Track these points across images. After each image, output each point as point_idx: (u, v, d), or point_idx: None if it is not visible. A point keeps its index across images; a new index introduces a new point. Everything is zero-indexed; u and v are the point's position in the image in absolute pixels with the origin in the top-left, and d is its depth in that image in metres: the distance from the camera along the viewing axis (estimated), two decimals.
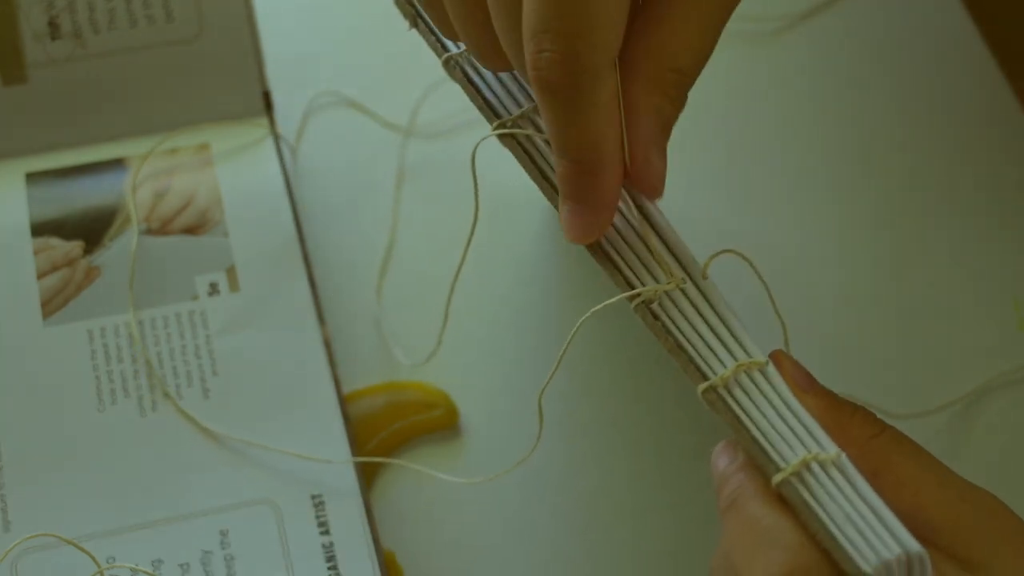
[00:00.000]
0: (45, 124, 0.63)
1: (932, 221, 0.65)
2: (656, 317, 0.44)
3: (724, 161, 0.67)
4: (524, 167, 0.48)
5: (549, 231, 0.63)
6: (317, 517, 0.55)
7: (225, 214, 0.61)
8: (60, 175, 0.62)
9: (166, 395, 0.57)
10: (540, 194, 0.66)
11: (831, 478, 0.41)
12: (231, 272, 0.60)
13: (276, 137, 0.64)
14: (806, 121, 0.68)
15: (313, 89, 0.67)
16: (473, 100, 0.48)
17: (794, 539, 0.40)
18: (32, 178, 0.62)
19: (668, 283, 0.45)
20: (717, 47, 0.46)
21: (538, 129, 0.48)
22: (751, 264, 0.47)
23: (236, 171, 0.63)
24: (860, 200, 0.66)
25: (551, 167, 0.47)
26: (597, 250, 0.46)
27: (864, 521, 0.40)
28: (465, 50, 0.49)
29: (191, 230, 0.61)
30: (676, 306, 0.45)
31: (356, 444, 0.57)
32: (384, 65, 0.68)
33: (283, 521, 0.54)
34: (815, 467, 0.41)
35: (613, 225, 0.46)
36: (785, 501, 0.41)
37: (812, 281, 0.64)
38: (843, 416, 0.44)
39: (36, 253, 0.60)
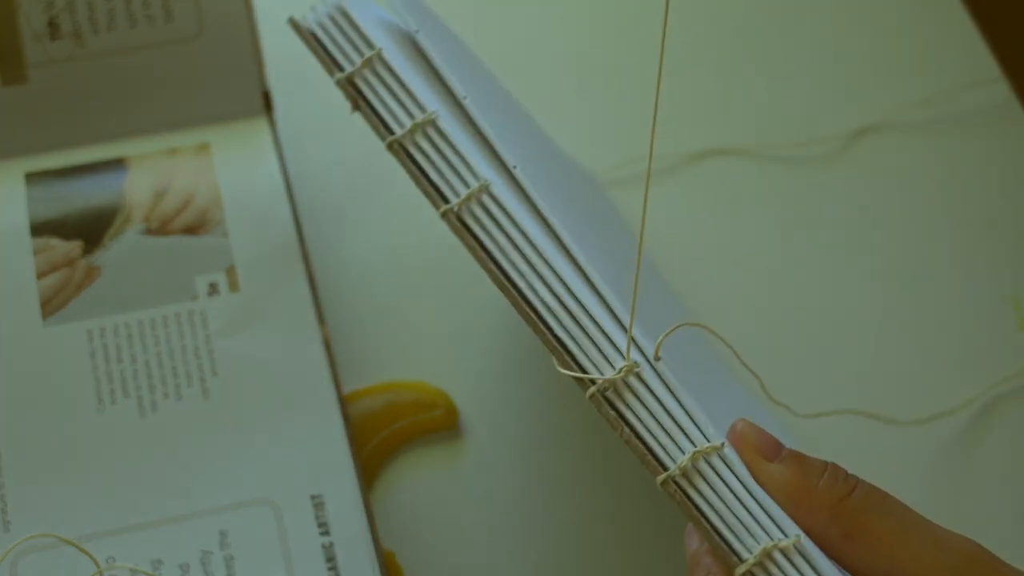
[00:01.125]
0: (45, 124, 0.63)
1: (932, 221, 0.65)
2: (612, 406, 0.43)
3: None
4: (474, 255, 0.45)
5: None
6: (317, 517, 0.55)
7: (225, 214, 0.61)
8: (60, 175, 0.62)
9: (165, 395, 0.57)
10: None
11: (793, 564, 0.40)
12: (231, 272, 0.60)
13: (276, 137, 0.64)
14: (806, 120, 0.68)
15: (313, 89, 0.67)
16: (417, 183, 0.46)
17: None
18: (32, 178, 0.62)
19: (623, 370, 0.43)
20: None
21: (486, 211, 0.45)
22: (715, 333, 0.46)
23: (236, 171, 0.63)
24: (860, 199, 0.66)
25: (503, 255, 0.45)
26: (545, 333, 0.44)
27: None
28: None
29: (191, 230, 0.61)
30: (631, 390, 0.43)
31: (356, 444, 0.57)
32: None
33: (283, 521, 0.54)
34: (777, 556, 0.41)
35: (555, 304, 0.44)
36: None
37: (811, 283, 0.64)
38: (811, 480, 0.43)
39: (36, 253, 0.60)
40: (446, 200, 0.45)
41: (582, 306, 0.44)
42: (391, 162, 0.66)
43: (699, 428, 0.42)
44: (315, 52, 0.48)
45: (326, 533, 0.54)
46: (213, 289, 0.60)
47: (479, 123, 0.47)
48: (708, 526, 0.41)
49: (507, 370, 0.61)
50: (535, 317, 0.44)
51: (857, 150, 0.67)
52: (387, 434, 0.58)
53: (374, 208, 0.65)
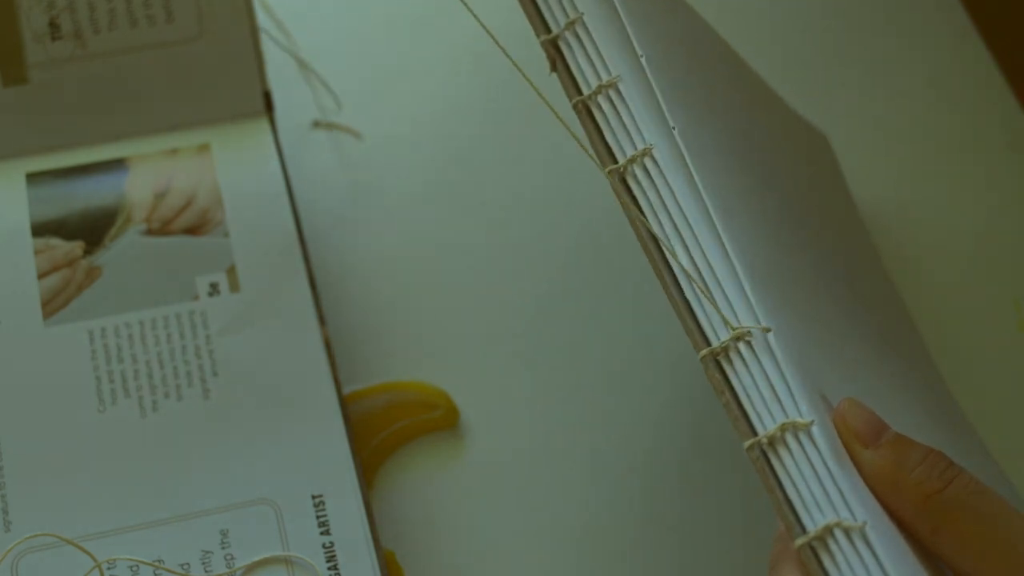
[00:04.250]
0: (46, 124, 0.63)
1: (931, 221, 0.65)
2: (721, 371, 0.44)
3: None
4: (627, 214, 0.47)
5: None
6: (317, 517, 0.55)
7: (225, 214, 0.61)
8: (61, 175, 0.62)
9: (166, 395, 0.57)
10: (544, 197, 0.67)
11: (854, 546, 0.40)
12: (231, 272, 0.60)
13: (276, 137, 0.64)
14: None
15: (313, 89, 0.67)
16: (592, 142, 0.48)
17: None
18: (33, 178, 0.62)
19: (735, 334, 0.44)
20: None
21: (646, 173, 0.47)
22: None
23: (236, 171, 0.63)
24: (859, 200, 0.66)
25: (653, 215, 0.46)
26: (675, 295, 0.45)
27: None
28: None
29: (192, 230, 0.61)
30: (741, 356, 0.44)
31: (356, 444, 0.57)
32: (386, 65, 0.68)
33: (283, 521, 0.55)
34: (838, 534, 0.40)
35: (691, 268, 0.45)
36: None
37: None
38: (903, 471, 0.42)
39: (37, 253, 0.60)
40: (615, 161, 0.47)
41: (713, 273, 0.45)
42: (391, 162, 0.66)
43: (795, 403, 0.42)
44: (528, 13, 0.50)
45: (326, 533, 0.54)
46: (214, 289, 0.60)
47: (652, 83, 0.48)
48: (781, 496, 0.41)
49: (507, 370, 0.61)
50: (669, 276, 0.45)
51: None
52: (387, 434, 0.58)
53: (375, 208, 0.65)
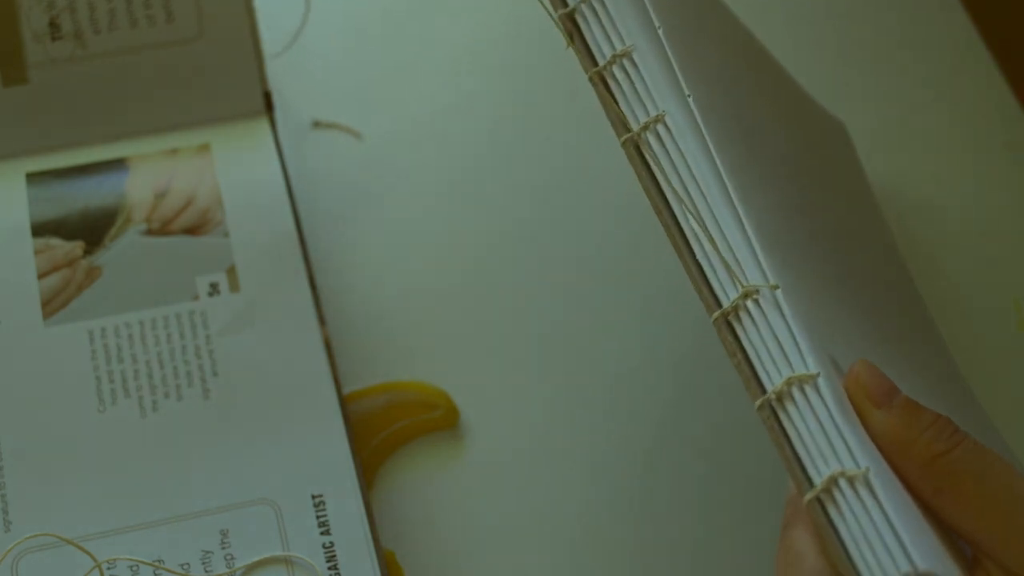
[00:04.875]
0: (45, 124, 0.63)
1: (931, 221, 0.65)
2: (733, 332, 0.44)
3: None
4: (640, 180, 0.47)
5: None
6: (317, 517, 0.55)
7: (225, 214, 0.61)
8: (60, 175, 0.62)
9: (166, 395, 0.57)
10: (545, 197, 0.67)
11: (857, 494, 0.41)
12: (231, 272, 0.60)
13: (276, 137, 0.64)
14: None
15: (313, 89, 0.67)
16: (608, 111, 0.48)
17: (815, 565, 0.41)
18: (33, 178, 0.62)
19: (746, 294, 0.44)
20: None
21: (659, 140, 0.47)
22: None
23: (236, 171, 0.63)
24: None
25: (666, 181, 0.47)
26: (688, 259, 0.46)
27: (880, 538, 0.40)
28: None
29: (192, 230, 0.61)
30: (749, 315, 0.44)
31: (356, 444, 0.57)
32: (386, 66, 0.68)
33: (283, 521, 0.55)
34: (843, 483, 0.41)
35: (701, 233, 0.46)
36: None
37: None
38: (912, 432, 0.43)
39: (37, 253, 0.60)
40: (628, 129, 0.47)
41: (724, 236, 0.45)
42: (391, 162, 0.66)
43: (801, 356, 0.43)
44: None
45: (326, 533, 0.54)
46: (214, 289, 0.60)
47: (668, 52, 0.48)
48: (790, 452, 0.42)
49: (507, 370, 0.61)
50: (682, 240, 0.46)
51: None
52: (387, 434, 0.58)
53: (375, 208, 0.65)
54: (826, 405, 0.42)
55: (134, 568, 0.53)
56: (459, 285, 0.63)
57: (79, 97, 0.63)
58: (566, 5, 0.50)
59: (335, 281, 0.62)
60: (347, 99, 0.67)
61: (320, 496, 0.55)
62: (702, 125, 0.47)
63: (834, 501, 0.41)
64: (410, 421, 0.59)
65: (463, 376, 0.60)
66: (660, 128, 0.47)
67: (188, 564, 0.53)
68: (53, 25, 0.62)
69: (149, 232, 0.61)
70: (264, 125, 0.64)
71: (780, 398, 0.43)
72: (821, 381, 0.43)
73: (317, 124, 0.66)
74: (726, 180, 0.46)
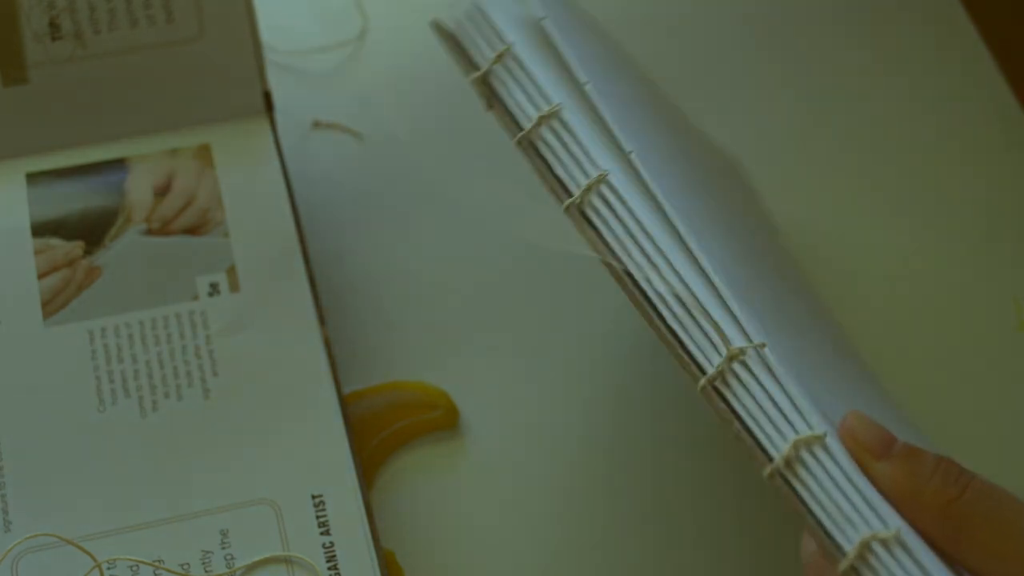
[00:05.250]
0: (45, 124, 0.63)
1: (931, 221, 0.65)
2: (724, 399, 0.42)
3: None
4: (592, 247, 0.45)
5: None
6: (317, 517, 0.55)
7: (225, 214, 0.61)
8: (60, 175, 0.62)
9: (166, 395, 0.57)
10: (544, 196, 0.66)
11: (894, 557, 0.40)
12: (231, 272, 0.60)
13: (276, 137, 0.64)
14: (806, 120, 0.68)
15: (313, 89, 0.67)
16: (543, 179, 0.46)
17: None
18: (32, 178, 0.62)
19: (731, 357, 0.42)
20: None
21: (604, 202, 0.45)
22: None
23: (236, 171, 0.63)
24: (860, 200, 0.66)
25: (619, 245, 0.45)
26: (658, 324, 0.44)
27: None
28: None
29: (192, 230, 0.61)
30: (738, 378, 0.42)
31: (356, 444, 0.57)
32: (387, 66, 0.68)
33: (283, 521, 0.55)
34: (877, 547, 0.40)
35: (668, 295, 0.44)
36: None
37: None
38: (919, 480, 0.42)
39: (37, 253, 0.60)
40: (569, 194, 0.45)
41: (693, 296, 0.43)
42: (391, 162, 0.66)
43: (803, 416, 0.41)
44: (453, 54, 0.48)
45: (326, 533, 0.54)
46: (214, 289, 0.60)
47: (599, 109, 0.46)
48: (813, 520, 0.40)
49: (508, 370, 0.61)
50: (649, 307, 0.44)
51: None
52: (387, 434, 0.58)
53: (375, 208, 0.65)
54: (839, 466, 0.41)
55: (134, 568, 0.53)
56: (459, 285, 0.63)
57: (79, 97, 0.63)
58: (478, 68, 0.48)
59: (335, 281, 0.62)
60: (347, 99, 0.67)
61: (320, 496, 0.55)
62: (648, 180, 0.45)
63: (871, 568, 0.40)
64: (410, 421, 0.59)
65: (463, 376, 0.60)
66: (604, 189, 0.44)
67: (188, 564, 0.53)
68: (53, 25, 0.62)
69: (149, 232, 0.61)
70: (264, 125, 0.64)
71: (789, 464, 0.41)
72: (829, 440, 0.41)
73: (317, 124, 0.66)
74: (685, 236, 0.44)
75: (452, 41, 0.49)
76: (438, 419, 0.59)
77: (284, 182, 0.62)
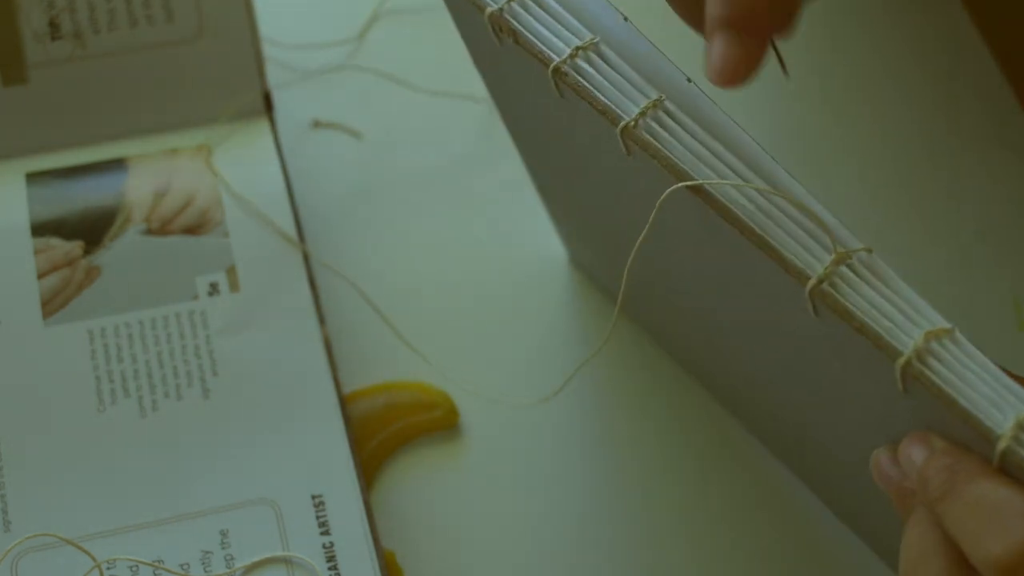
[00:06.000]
0: (45, 124, 0.63)
1: (932, 221, 0.65)
2: (836, 300, 0.41)
3: None
4: (671, 172, 0.43)
5: (563, 231, 0.63)
6: (317, 517, 0.55)
7: (225, 214, 0.61)
8: (60, 175, 0.62)
9: (166, 395, 0.57)
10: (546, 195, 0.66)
11: None
12: (231, 272, 0.60)
13: (276, 137, 0.64)
14: (806, 121, 0.68)
15: (314, 90, 0.67)
16: (594, 101, 0.44)
17: (943, 566, 0.38)
18: (32, 178, 0.62)
19: (839, 258, 0.42)
20: None
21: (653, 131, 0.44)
22: None
23: (236, 171, 0.63)
24: (860, 200, 0.66)
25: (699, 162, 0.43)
26: (749, 231, 0.42)
27: None
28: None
29: (191, 230, 0.61)
30: (846, 282, 0.41)
31: (356, 444, 0.57)
32: (387, 66, 0.68)
33: (283, 521, 0.55)
34: None
35: (764, 205, 0.42)
36: (1007, 473, 0.39)
37: None
38: None
39: (36, 253, 0.60)
40: (622, 117, 0.44)
41: (791, 198, 0.43)
42: (391, 162, 0.66)
43: (921, 314, 0.41)
44: None
45: (326, 533, 0.54)
46: (213, 289, 0.60)
47: (642, 40, 0.45)
48: (957, 406, 0.40)
49: (507, 370, 0.61)
50: (748, 222, 0.42)
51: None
52: (387, 434, 0.58)
53: (374, 208, 0.65)
54: (971, 357, 0.41)
55: (134, 568, 0.53)
56: (459, 285, 0.63)
57: (79, 97, 0.63)
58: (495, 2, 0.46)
59: (335, 281, 0.62)
60: (347, 100, 0.67)
61: (320, 496, 0.55)
62: (710, 107, 0.44)
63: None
64: (410, 421, 0.59)
65: (463, 376, 0.60)
66: (660, 113, 0.43)
67: (188, 564, 0.53)
68: (53, 25, 0.62)
69: (149, 232, 0.61)
70: (264, 125, 0.64)
71: (920, 356, 0.40)
72: (958, 334, 0.41)
73: (317, 124, 0.66)
74: (755, 148, 0.43)
75: None
76: (438, 419, 0.59)
77: (284, 182, 0.62)
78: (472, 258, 0.64)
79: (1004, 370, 0.42)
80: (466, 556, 0.56)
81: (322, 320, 0.59)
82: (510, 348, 0.61)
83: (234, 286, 0.60)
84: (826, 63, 0.70)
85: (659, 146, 0.43)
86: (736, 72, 0.43)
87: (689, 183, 0.43)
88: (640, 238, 0.45)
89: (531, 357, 0.61)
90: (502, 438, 0.59)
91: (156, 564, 0.53)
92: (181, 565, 0.53)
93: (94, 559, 0.53)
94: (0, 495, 0.55)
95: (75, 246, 0.60)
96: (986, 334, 0.62)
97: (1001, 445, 0.39)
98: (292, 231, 0.61)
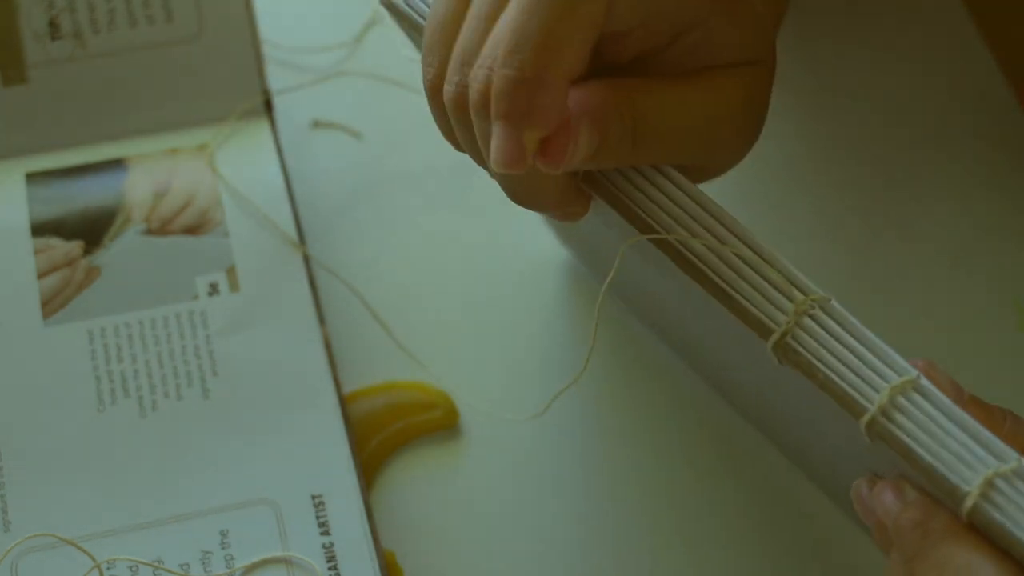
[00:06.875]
0: (45, 124, 0.63)
1: (932, 221, 0.65)
2: (798, 354, 0.41)
3: None
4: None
5: (553, 230, 0.63)
6: (317, 517, 0.55)
7: (225, 214, 0.61)
8: (60, 175, 0.62)
9: (166, 395, 0.57)
10: None
11: (1019, 490, 0.38)
12: (231, 272, 0.60)
13: (276, 137, 0.64)
14: (806, 121, 0.68)
15: (314, 90, 0.67)
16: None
17: (991, 572, 0.38)
18: (32, 178, 0.62)
19: (799, 309, 0.41)
20: None
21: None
22: None
23: (236, 171, 0.63)
24: (860, 200, 0.66)
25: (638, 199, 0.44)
26: (709, 283, 0.42)
27: None
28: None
29: (191, 230, 0.61)
30: (809, 334, 0.41)
31: (356, 444, 0.57)
32: (386, 68, 0.68)
33: (283, 521, 0.55)
34: (1000, 483, 0.38)
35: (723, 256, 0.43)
36: (976, 531, 0.38)
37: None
38: (997, 426, 0.41)
39: (36, 253, 0.60)
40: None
41: (754, 251, 0.42)
42: (391, 162, 0.66)
43: (886, 363, 0.40)
44: None
45: (326, 533, 0.54)
46: (213, 289, 0.60)
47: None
48: (921, 465, 0.39)
49: (507, 370, 0.60)
50: (707, 271, 0.42)
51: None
52: (387, 434, 0.58)
53: (374, 208, 0.65)
54: (938, 407, 0.40)
55: (134, 568, 0.53)
56: (459, 285, 0.63)
57: (79, 97, 0.63)
58: None
59: (335, 281, 0.62)
60: (347, 100, 0.67)
61: (320, 496, 0.55)
62: None
63: (994, 504, 0.38)
64: (410, 421, 0.59)
65: (463, 376, 0.60)
66: None
67: (188, 564, 0.53)
68: (53, 25, 0.62)
69: (149, 232, 0.61)
70: (264, 125, 0.64)
71: (885, 412, 0.40)
72: (922, 382, 0.40)
73: (317, 124, 0.66)
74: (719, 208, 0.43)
75: None
76: (438, 419, 0.59)
77: (284, 182, 0.62)
78: (472, 258, 0.64)
79: (975, 401, 0.41)
80: (466, 556, 0.56)
81: (322, 320, 0.59)
82: (509, 348, 0.61)
83: (234, 286, 0.60)
84: (824, 62, 0.70)
85: (619, 194, 0.43)
86: (514, 159, 0.41)
87: (651, 236, 0.42)
88: (607, 280, 0.45)
89: (530, 358, 0.61)
90: (502, 438, 0.59)
91: (156, 564, 0.53)
92: (181, 565, 0.53)
93: (94, 559, 0.53)
94: (0, 495, 0.55)
95: (75, 246, 0.60)
96: (986, 334, 0.62)
97: (968, 504, 0.38)
98: (292, 231, 0.61)
